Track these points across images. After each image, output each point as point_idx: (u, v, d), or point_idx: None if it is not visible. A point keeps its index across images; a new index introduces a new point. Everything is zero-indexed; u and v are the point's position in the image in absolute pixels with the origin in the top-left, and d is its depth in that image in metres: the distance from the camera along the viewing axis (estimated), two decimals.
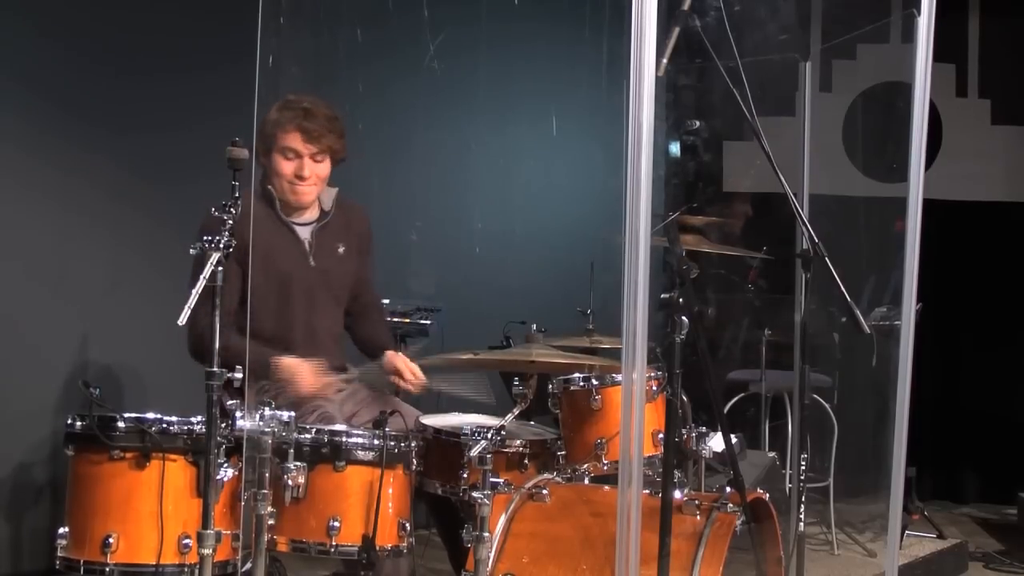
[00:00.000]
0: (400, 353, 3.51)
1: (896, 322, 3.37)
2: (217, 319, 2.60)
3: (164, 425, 2.75)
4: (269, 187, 3.45)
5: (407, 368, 3.43)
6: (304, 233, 3.50)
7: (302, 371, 3.30)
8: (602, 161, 5.07)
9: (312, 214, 3.53)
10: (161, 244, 4.23)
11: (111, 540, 2.68)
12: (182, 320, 2.50)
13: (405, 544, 3.00)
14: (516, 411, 3.05)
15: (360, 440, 2.93)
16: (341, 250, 3.56)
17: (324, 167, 3.46)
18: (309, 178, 3.42)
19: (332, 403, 3.41)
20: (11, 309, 3.97)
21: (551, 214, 5.43)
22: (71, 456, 2.78)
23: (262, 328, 3.37)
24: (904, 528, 4.85)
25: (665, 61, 2.77)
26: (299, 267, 3.46)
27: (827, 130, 5.87)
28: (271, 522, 2.75)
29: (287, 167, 3.42)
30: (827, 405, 4.97)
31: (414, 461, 3.05)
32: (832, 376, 5.09)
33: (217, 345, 2.59)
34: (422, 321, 4.19)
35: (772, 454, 4.64)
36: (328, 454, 2.89)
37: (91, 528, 2.71)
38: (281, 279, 3.42)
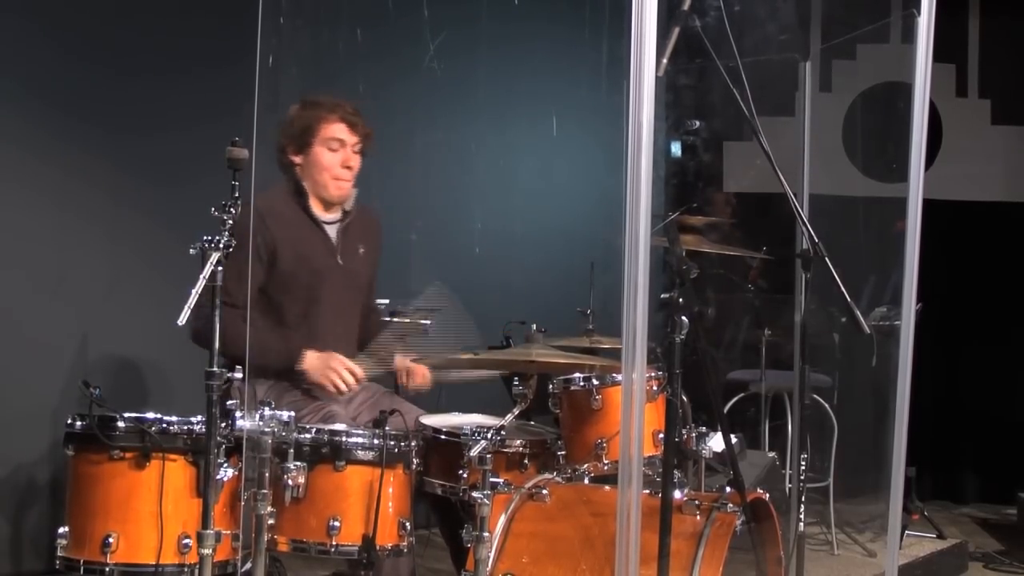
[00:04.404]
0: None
1: (896, 322, 3.37)
2: (217, 318, 2.59)
3: (164, 425, 2.75)
4: (304, 184, 3.45)
5: (417, 370, 3.52)
6: (331, 232, 3.51)
7: (336, 363, 3.34)
8: (602, 161, 5.07)
9: (337, 213, 3.54)
10: (161, 244, 4.23)
11: (111, 540, 2.68)
12: (182, 320, 2.50)
13: (405, 544, 2.99)
14: (516, 411, 3.04)
15: (360, 440, 2.93)
16: (361, 251, 3.57)
17: (359, 160, 3.48)
18: (353, 168, 3.46)
19: (339, 402, 3.42)
20: (11, 309, 3.97)
21: (551, 214, 5.42)
22: (71, 456, 2.77)
23: (288, 324, 3.40)
24: (904, 528, 4.85)
25: (665, 61, 2.76)
26: (328, 266, 3.48)
27: (827, 130, 5.87)
28: (271, 522, 2.75)
29: (332, 158, 3.44)
30: (827, 405, 4.97)
31: (414, 461, 3.05)
32: (832, 376, 5.08)
33: (217, 330, 2.58)
34: (422, 321, 4.19)
35: (772, 454, 4.63)
36: (328, 454, 2.89)
37: (91, 528, 2.71)
38: (312, 277, 3.43)
